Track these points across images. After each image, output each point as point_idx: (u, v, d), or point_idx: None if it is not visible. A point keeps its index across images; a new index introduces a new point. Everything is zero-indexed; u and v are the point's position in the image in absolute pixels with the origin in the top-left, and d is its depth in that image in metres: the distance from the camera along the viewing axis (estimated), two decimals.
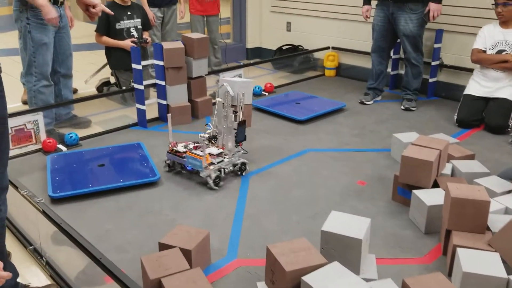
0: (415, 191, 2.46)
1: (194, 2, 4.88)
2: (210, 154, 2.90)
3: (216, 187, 2.84)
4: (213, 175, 2.83)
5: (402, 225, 2.47)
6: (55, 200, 2.67)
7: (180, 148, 2.99)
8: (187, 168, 2.97)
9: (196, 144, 3.02)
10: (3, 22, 9.53)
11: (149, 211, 2.61)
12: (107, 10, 2.06)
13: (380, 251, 2.24)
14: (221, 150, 2.95)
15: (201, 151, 2.85)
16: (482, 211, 2.07)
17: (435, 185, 2.60)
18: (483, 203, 2.06)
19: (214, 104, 4.19)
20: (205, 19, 5.01)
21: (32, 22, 3.36)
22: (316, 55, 5.52)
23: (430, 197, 2.39)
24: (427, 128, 3.76)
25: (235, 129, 2.92)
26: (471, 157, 2.93)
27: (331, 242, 1.96)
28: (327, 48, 5.37)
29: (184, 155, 2.93)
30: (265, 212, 2.61)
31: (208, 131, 3.01)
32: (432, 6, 3.93)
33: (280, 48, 5.80)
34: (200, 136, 2.86)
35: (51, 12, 3.18)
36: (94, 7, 1.98)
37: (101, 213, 2.59)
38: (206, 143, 2.93)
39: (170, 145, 3.01)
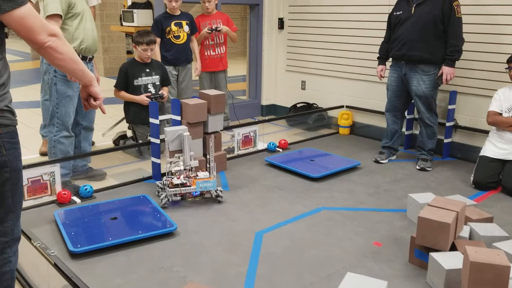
0: (432, 254, 2.40)
1: (202, 58, 5.02)
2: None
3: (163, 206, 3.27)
4: (163, 196, 3.29)
5: None
6: (67, 253, 2.65)
7: (177, 181, 3.32)
8: (194, 194, 3.37)
9: (179, 176, 3.37)
10: (27, 76, 9.86)
11: (160, 267, 2.57)
12: (103, 109, 1.95)
13: None
14: (207, 174, 3.38)
15: (191, 178, 3.36)
16: (502, 276, 2.02)
17: (453, 248, 2.53)
18: (503, 268, 2.01)
19: (229, 159, 4.23)
20: (213, 75, 5.14)
21: (59, 75, 3.48)
22: (331, 113, 5.57)
23: (448, 260, 2.33)
24: (443, 189, 3.72)
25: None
26: (489, 220, 2.88)
27: None
28: (341, 106, 5.44)
29: (189, 183, 3.32)
30: (279, 271, 2.55)
31: (180, 164, 3.43)
32: (446, 69, 3.98)
33: (294, 106, 5.88)
34: (173, 170, 3.40)
35: None
36: (95, 99, 1.89)
37: (112, 267, 2.56)
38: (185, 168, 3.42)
39: (167, 183, 3.34)
